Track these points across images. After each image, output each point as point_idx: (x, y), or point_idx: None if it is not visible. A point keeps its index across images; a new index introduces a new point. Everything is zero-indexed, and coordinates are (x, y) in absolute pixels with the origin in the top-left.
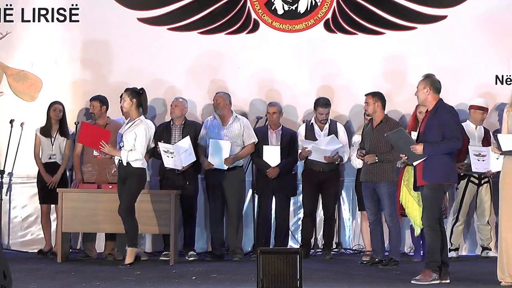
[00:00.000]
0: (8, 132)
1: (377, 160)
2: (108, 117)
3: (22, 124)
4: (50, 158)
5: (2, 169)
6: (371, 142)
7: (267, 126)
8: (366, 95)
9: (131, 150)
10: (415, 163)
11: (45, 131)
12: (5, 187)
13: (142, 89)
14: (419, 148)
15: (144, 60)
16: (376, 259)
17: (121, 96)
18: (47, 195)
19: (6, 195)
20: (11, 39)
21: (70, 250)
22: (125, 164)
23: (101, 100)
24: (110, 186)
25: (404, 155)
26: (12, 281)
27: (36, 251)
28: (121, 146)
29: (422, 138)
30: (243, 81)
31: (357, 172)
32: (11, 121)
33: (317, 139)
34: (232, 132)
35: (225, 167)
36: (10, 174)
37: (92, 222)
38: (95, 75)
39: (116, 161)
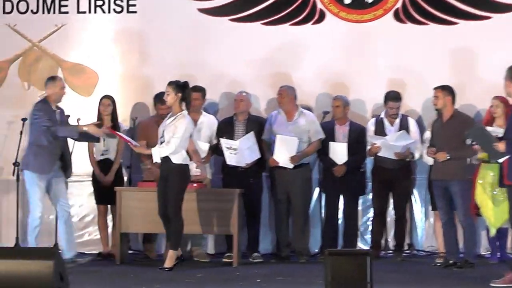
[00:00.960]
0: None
1: (448, 158)
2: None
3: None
4: (102, 154)
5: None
6: (441, 139)
7: (334, 121)
8: (435, 88)
9: (164, 144)
10: (499, 161)
11: (97, 127)
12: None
13: (186, 82)
14: (501, 146)
15: (205, 53)
16: (450, 261)
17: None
18: (103, 195)
19: None
20: (66, 31)
21: (129, 251)
22: (159, 160)
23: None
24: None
25: (485, 151)
26: (69, 284)
27: (93, 252)
28: (161, 142)
29: (505, 135)
30: (308, 74)
31: (429, 169)
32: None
33: (387, 135)
34: (298, 127)
35: (291, 165)
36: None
37: (152, 222)
38: (153, 69)
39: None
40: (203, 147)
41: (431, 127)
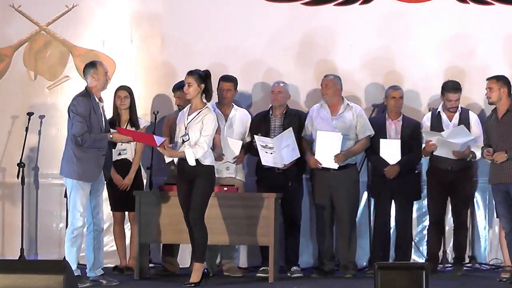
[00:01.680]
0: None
1: (507, 158)
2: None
3: None
4: (119, 154)
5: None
6: (497, 137)
7: (385, 116)
8: (488, 79)
9: (196, 145)
10: None
11: (112, 122)
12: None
13: (207, 71)
14: None
15: (237, 37)
16: None
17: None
18: (119, 201)
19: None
20: (78, 13)
21: (150, 265)
22: (194, 163)
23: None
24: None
25: None
26: None
27: (109, 265)
28: (184, 140)
29: None
30: (356, 62)
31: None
32: None
33: (444, 131)
34: (344, 123)
35: (336, 166)
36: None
37: (176, 231)
38: (178, 56)
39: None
40: (235, 145)
41: (485, 124)
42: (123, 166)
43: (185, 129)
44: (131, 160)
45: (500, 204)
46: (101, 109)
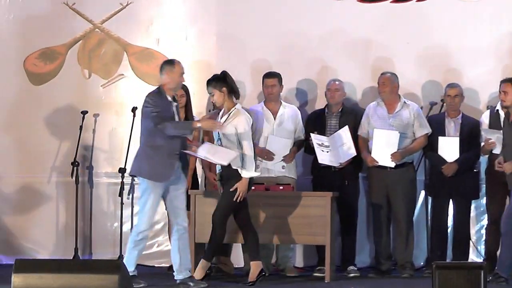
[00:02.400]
0: (130, 123)
1: None
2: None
3: None
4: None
5: (123, 166)
6: (508, 143)
7: (443, 114)
8: (503, 82)
9: (244, 161)
10: None
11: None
12: (126, 188)
13: (224, 72)
14: None
15: (292, 35)
16: None
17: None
18: None
19: (128, 198)
20: (133, 11)
21: None
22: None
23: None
24: (253, 188)
25: None
26: None
27: (164, 265)
28: (219, 144)
29: None
30: (412, 59)
31: None
32: (134, 109)
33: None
34: (401, 121)
35: (392, 164)
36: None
37: (230, 231)
38: (233, 53)
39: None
40: (284, 144)
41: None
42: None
43: (218, 133)
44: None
45: None
46: (174, 108)
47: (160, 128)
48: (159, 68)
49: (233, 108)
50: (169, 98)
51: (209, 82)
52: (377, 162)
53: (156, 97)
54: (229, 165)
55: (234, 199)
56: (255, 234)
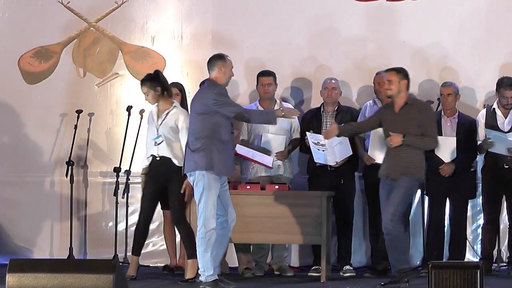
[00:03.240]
0: (125, 122)
1: (403, 143)
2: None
3: (141, 112)
4: None
5: (118, 166)
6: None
7: (440, 113)
8: (387, 71)
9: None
10: None
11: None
12: (121, 187)
13: (157, 71)
14: None
15: (288, 33)
16: None
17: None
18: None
19: (122, 197)
20: (128, 9)
21: None
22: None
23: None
24: (248, 187)
25: None
26: None
27: (159, 265)
28: (158, 143)
29: None
30: (408, 58)
31: None
32: (129, 108)
33: (499, 128)
34: None
35: None
36: (128, 172)
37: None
38: (228, 52)
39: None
40: (280, 141)
41: (378, 114)
42: None
43: (157, 131)
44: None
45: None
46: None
47: (246, 117)
48: (208, 63)
49: (172, 107)
50: None
51: (143, 82)
52: (374, 160)
53: (221, 89)
54: (169, 162)
55: (186, 199)
56: (191, 231)
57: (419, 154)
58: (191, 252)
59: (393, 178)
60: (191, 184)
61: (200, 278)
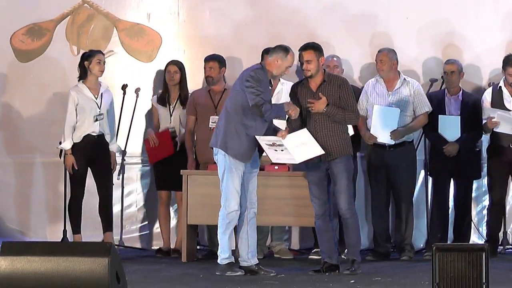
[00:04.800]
0: (120, 101)
1: (325, 110)
2: (225, 82)
3: (137, 91)
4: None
5: (124, 148)
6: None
7: (443, 91)
8: (302, 49)
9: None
10: None
11: (162, 99)
12: (117, 168)
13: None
14: None
15: (289, 10)
16: None
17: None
18: (165, 180)
19: (118, 179)
20: None
21: (198, 247)
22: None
23: (220, 61)
24: None
25: None
26: (126, 285)
27: (153, 248)
28: (99, 119)
29: None
30: (412, 35)
31: None
32: (124, 87)
33: (506, 107)
34: (400, 98)
35: (392, 142)
36: (123, 153)
37: None
38: (227, 28)
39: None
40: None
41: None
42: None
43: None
44: (177, 134)
45: (314, 185)
46: (270, 91)
47: (263, 110)
48: (272, 48)
49: (105, 85)
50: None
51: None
52: (376, 139)
53: (261, 74)
54: (103, 142)
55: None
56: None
57: (346, 132)
58: (106, 224)
59: (324, 161)
60: (215, 160)
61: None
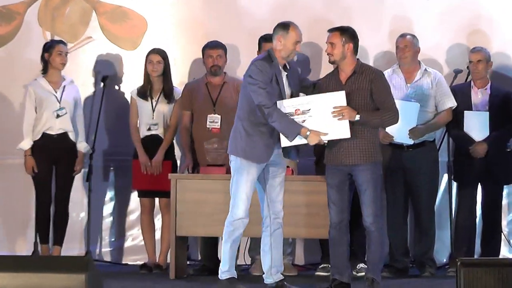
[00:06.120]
0: (99, 94)
1: (358, 119)
2: (225, 72)
3: (104, 79)
4: (149, 129)
5: (92, 146)
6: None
7: (469, 84)
8: (330, 31)
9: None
10: None
11: (143, 92)
12: (97, 171)
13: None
14: None
15: None
16: None
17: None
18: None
19: (87, 181)
20: None
21: (188, 262)
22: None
23: (225, 49)
24: None
25: None
26: None
27: (139, 262)
28: (61, 114)
29: None
30: (433, 20)
31: None
32: (104, 79)
33: None
34: (421, 91)
35: (411, 141)
36: (103, 153)
37: (219, 222)
38: (220, 13)
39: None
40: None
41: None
42: (154, 143)
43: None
44: (162, 136)
45: (333, 189)
46: (284, 78)
47: (265, 111)
48: (273, 32)
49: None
50: (280, 67)
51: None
52: (393, 138)
53: (263, 65)
54: (67, 140)
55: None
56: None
57: (376, 135)
58: (58, 237)
59: (347, 165)
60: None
61: None
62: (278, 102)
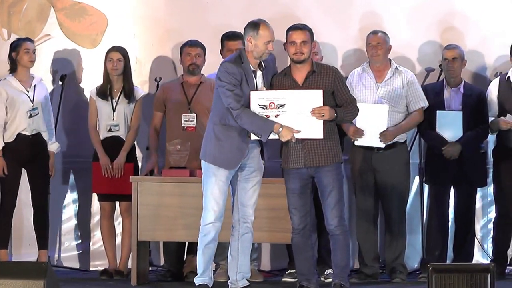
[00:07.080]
0: (58, 94)
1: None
2: (202, 74)
3: (62, 78)
4: (110, 130)
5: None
6: None
7: (442, 83)
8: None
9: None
10: None
11: (103, 91)
12: (56, 173)
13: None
14: None
15: None
16: None
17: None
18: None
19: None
20: None
21: (150, 268)
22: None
23: (204, 48)
24: None
25: None
26: None
27: (98, 268)
28: (34, 114)
29: None
30: (403, 16)
31: None
32: (63, 78)
33: None
34: (391, 91)
35: (382, 145)
36: (62, 155)
37: (181, 226)
38: (184, 9)
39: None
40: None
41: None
42: (114, 145)
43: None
44: (123, 138)
45: (294, 194)
46: (257, 79)
47: (235, 114)
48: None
49: (38, 78)
50: (251, 67)
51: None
52: (363, 134)
53: (232, 67)
54: (41, 141)
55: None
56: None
57: (336, 135)
58: (42, 242)
59: (311, 166)
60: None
61: None
62: (252, 92)
